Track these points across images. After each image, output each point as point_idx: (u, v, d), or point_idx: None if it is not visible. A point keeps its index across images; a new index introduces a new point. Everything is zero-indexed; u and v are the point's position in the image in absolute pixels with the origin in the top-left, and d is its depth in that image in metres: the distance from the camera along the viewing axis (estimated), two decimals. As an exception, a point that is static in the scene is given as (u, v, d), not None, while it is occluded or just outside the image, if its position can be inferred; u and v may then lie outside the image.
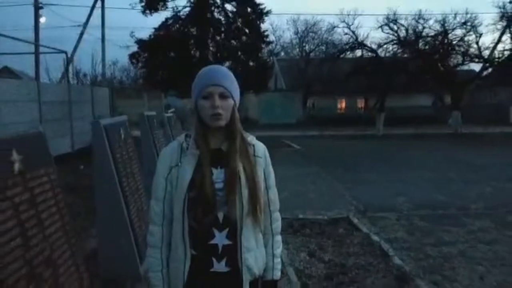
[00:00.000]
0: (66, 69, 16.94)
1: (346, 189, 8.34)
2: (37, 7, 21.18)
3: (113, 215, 3.91)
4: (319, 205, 7.04)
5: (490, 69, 22.16)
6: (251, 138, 1.81)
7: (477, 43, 20.86)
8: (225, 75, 1.72)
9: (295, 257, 4.77)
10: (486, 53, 20.71)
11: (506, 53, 20.57)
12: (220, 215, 1.68)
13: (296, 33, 39.25)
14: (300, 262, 4.65)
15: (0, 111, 10.01)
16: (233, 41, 16.19)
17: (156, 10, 15.98)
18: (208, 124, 1.69)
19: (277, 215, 1.87)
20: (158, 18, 16.51)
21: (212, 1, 15.71)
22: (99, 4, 21.53)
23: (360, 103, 33.13)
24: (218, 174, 1.69)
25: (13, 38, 13.49)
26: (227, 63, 16.81)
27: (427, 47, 20.21)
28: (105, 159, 3.88)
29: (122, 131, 4.42)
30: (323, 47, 34.57)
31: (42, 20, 21.83)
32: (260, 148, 1.81)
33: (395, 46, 20.89)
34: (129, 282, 3.85)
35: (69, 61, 18.41)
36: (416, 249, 4.96)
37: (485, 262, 4.54)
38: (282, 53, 42.49)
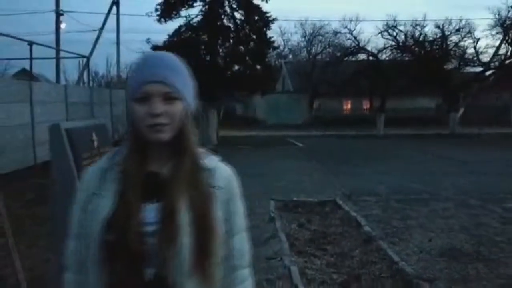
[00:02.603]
0: (88, 73, 18.31)
1: (338, 179, 9.52)
2: (58, 14, 22.66)
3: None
4: (312, 191, 8.24)
5: (489, 72, 23.15)
6: (210, 160, 1.26)
7: (474, 47, 21.94)
8: (171, 67, 1.20)
9: (287, 227, 5.97)
10: (481, 57, 21.78)
11: (499, 57, 21.61)
12: (150, 272, 1.14)
13: (304, 36, 40.50)
14: (290, 230, 5.86)
15: (34, 111, 11.36)
16: (241, 47, 17.45)
17: (170, 18, 17.33)
18: (145, 137, 1.18)
19: (244, 274, 1.28)
20: (171, 24, 17.80)
21: (222, 10, 17.02)
22: (114, 10, 23.05)
23: (365, 105, 34.21)
24: (150, 211, 1.16)
25: (38, 44, 14.79)
26: (236, 67, 18.09)
27: (423, 52, 21.33)
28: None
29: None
30: (330, 50, 35.71)
31: (63, 26, 23.37)
32: (222, 175, 1.25)
33: (394, 50, 22.04)
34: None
35: (87, 64, 19.84)
36: (384, 221, 6.15)
37: (437, 230, 5.71)
38: (290, 56, 43.75)
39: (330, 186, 8.80)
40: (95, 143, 3.46)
